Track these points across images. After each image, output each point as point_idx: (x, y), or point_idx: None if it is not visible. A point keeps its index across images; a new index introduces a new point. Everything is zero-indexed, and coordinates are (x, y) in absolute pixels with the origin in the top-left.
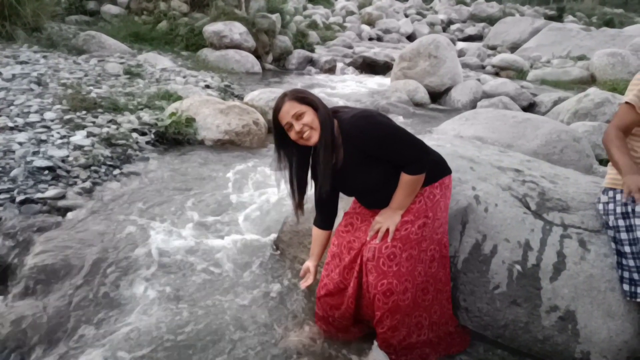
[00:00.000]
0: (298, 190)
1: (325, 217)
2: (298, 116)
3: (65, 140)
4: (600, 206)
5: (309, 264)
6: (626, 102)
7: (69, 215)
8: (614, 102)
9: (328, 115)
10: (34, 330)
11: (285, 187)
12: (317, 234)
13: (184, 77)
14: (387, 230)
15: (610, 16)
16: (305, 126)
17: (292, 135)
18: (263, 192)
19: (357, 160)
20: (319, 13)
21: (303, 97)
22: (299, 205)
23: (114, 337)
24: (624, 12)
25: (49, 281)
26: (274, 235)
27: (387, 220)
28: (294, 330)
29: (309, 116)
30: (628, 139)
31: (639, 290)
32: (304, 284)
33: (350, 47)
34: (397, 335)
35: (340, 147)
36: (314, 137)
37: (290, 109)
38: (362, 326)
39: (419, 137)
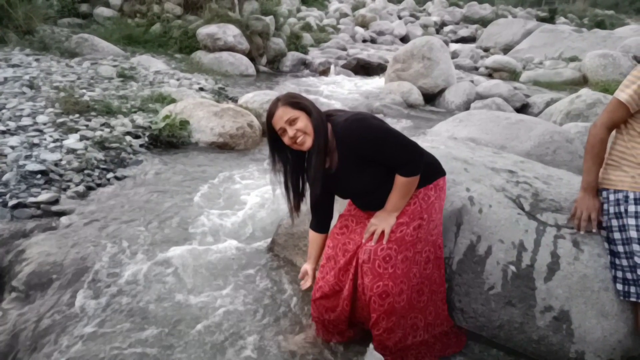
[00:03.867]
0: (293, 193)
1: (320, 219)
2: (291, 121)
3: (58, 143)
4: None
5: (307, 266)
6: (618, 100)
7: (63, 219)
8: (606, 103)
9: (322, 120)
10: (26, 336)
11: (280, 190)
12: (314, 236)
13: (178, 79)
14: (382, 233)
15: (601, 18)
16: (299, 131)
17: (286, 140)
18: (257, 194)
19: (352, 163)
20: (312, 15)
21: (296, 102)
22: (294, 208)
23: (108, 343)
24: (614, 13)
25: (41, 287)
26: (269, 238)
27: (382, 222)
28: (289, 333)
29: (303, 121)
30: (625, 139)
31: (632, 289)
32: (303, 286)
33: (344, 49)
34: (392, 337)
35: (334, 151)
36: (307, 142)
37: (284, 114)
38: (357, 329)
39: (413, 138)
